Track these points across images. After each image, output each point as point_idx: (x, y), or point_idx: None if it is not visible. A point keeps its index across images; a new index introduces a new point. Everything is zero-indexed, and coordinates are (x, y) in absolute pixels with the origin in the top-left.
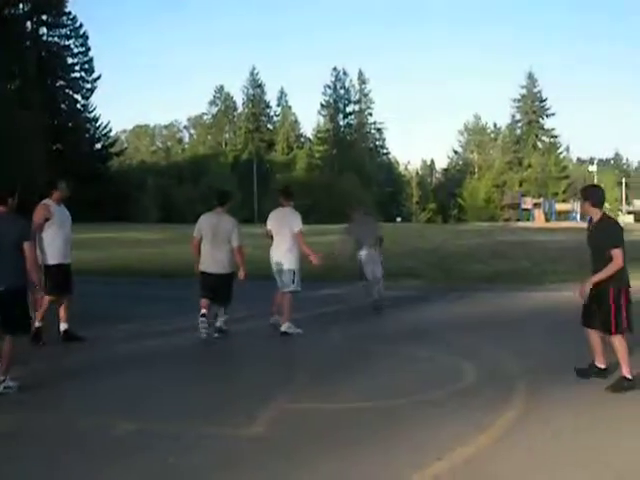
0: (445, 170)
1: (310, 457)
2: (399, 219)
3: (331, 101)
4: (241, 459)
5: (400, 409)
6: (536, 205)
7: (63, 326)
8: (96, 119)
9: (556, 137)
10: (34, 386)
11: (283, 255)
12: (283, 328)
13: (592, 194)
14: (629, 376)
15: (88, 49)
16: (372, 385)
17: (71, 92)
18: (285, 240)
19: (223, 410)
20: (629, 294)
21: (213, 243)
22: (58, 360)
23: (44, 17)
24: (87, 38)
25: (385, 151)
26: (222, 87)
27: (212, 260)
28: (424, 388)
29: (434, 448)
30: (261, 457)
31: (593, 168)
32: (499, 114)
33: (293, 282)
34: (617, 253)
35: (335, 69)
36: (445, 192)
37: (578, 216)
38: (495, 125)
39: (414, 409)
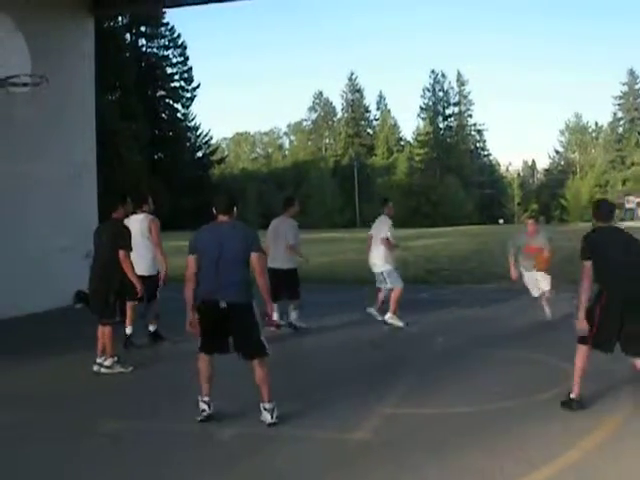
0: (547, 170)
1: (416, 462)
2: (501, 221)
3: (430, 104)
4: (348, 464)
5: (504, 413)
6: None
7: (152, 327)
8: (196, 128)
9: None
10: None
11: (384, 258)
12: (387, 317)
13: (593, 209)
14: None
15: (187, 58)
16: (476, 389)
17: (171, 101)
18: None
19: (329, 415)
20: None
21: (273, 243)
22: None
23: (143, 29)
24: (185, 48)
25: (486, 153)
26: (321, 93)
27: (271, 258)
28: (527, 392)
29: (539, 452)
30: (367, 461)
31: None
32: (600, 112)
33: (399, 279)
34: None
35: (433, 71)
36: (547, 193)
37: None
38: (596, 124)
39: (518, 413)
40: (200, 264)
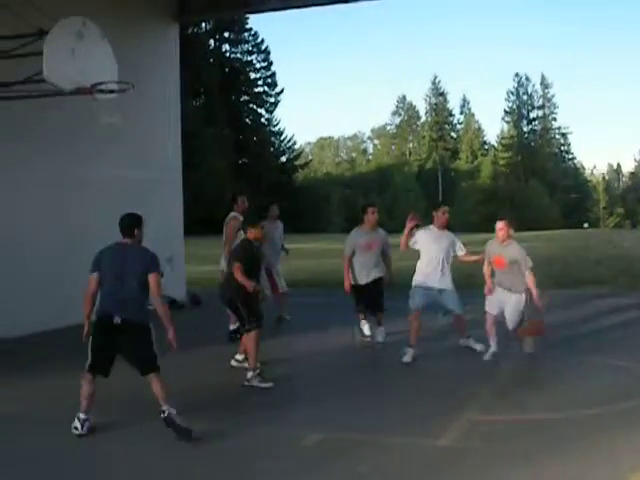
0: (632, 174)
1: (501, 469)
2: (586, 225)
3: (514, 107)
4: (432, 470)
5: (591, 420)
6: None
7: (232, 326)
8: (280, 132)
9: None
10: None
11: (449, 277)
12: (473, 345)
13: None
14: None
15: (270, 64)
16: (563, 395)
17: (255, 107)
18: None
19: (413, 421)
20: None
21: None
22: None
23: (226, 34)
24: (269, 53)
25: (570, 156)
26: (404, 97)
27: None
28: (615, 398)
29: (628, 460)
30: (452, 468)
31: None
32: None
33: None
34: None
35: (517, 75)
36: (633, 196)
37: None
38: None
39: (606, 420)
40: (101, 282)
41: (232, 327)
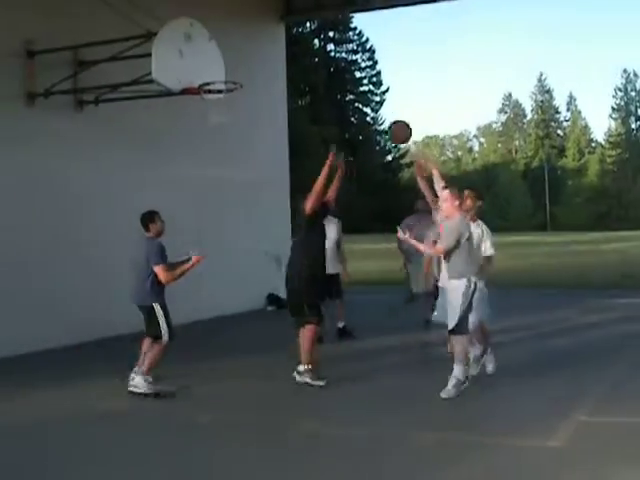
0: None
1: (612, 473)
2: None
3: (622, 104)
4: (541, 472)
5: None
6: None
7: (341, 324)
8: (386, 131)
9: None
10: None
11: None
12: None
13: None
14: None
15: (375, 62)
16: None
17: (360, 106)
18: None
19: (521, 422)
20: None
21: None
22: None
23: (331, 34)
24: (374, 52)
25: None
26: (510, 95)
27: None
28: None
29: None
30: (561, 470)
31: None
32: None
33: None
34: None
35: (625, 71)
36: None
37: None
38: None
39: None
40: None
41: (341, 324)
